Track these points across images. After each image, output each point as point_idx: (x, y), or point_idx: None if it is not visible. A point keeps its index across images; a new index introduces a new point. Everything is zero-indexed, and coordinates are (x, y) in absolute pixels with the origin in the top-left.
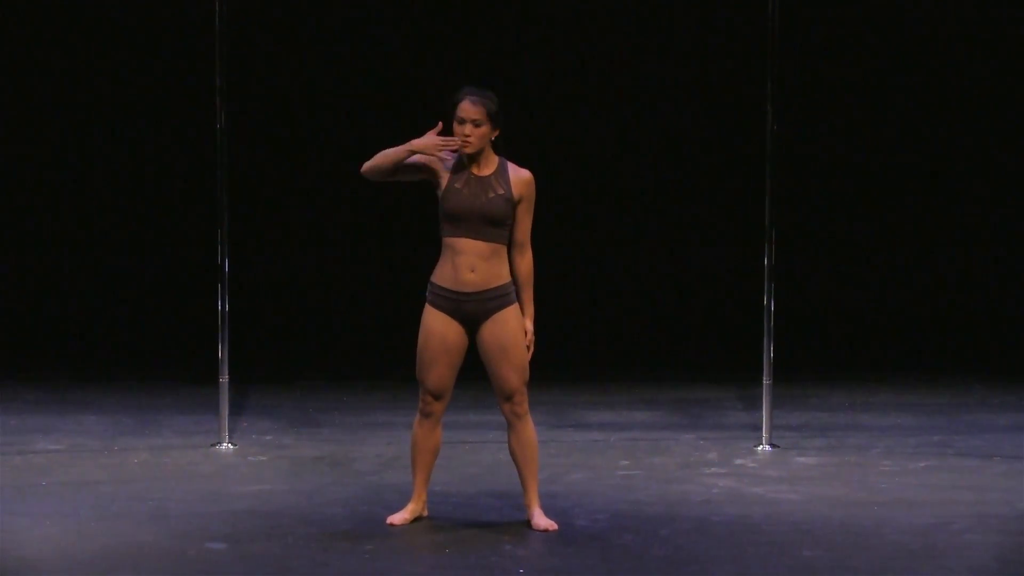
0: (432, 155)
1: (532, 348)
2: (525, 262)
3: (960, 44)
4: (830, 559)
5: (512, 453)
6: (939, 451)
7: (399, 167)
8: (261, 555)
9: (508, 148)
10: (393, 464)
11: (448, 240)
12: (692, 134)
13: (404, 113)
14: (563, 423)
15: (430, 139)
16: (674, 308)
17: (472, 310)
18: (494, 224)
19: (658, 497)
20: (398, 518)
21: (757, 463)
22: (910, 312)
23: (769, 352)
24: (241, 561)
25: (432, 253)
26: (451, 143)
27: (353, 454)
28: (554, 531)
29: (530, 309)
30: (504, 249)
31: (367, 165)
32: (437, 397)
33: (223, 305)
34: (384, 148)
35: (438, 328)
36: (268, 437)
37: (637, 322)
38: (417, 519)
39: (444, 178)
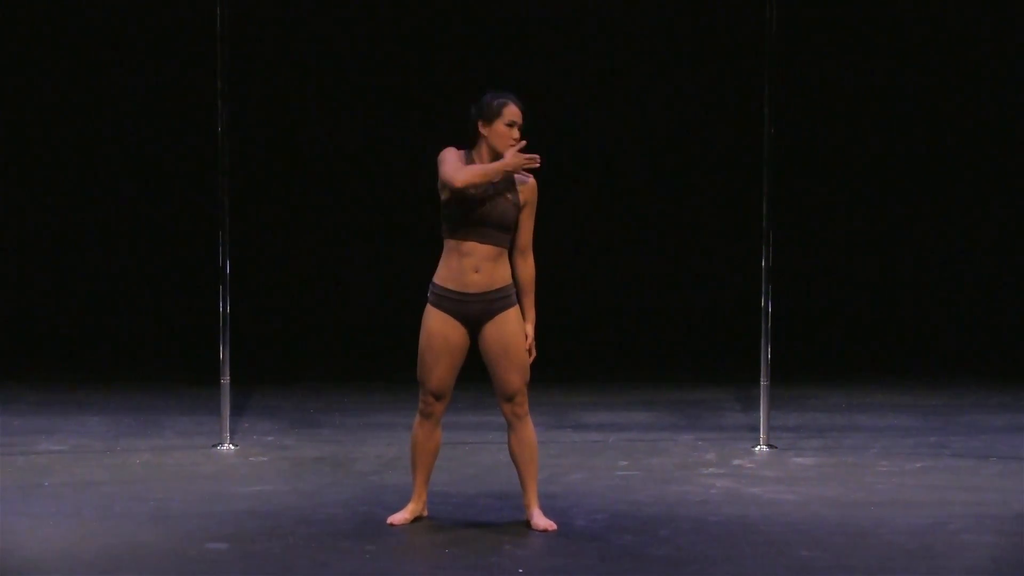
0: (519, 171)
1: (534, 353)
2: (527, 267)
3: (959, 46)
4: (827, 559)
5: (512, 454)
6: (935, 452)
7: None
8: (262, 555)
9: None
10: (393, 465)
11: (454, 242)
12: (691, 136)
13: (405, 115)
14: (562, 424)
15: (517, 158)
16: (672, 310)
17: (475, 311)
18: (503, 229)
19: (656, 497)
20: (398, 518)
21: (755, 464)
22: (906, 314)
23: (767, 353)
24: (242, 561)
25: (432, 254)
26: (533, 161)
27: (353, 455)
28: (553, 531)
29: (531, 314)
30: (507, 252)
31: (465, 181)
32: (438, 398)
33: (224, 307)
34: (382, 151)
35: (440, 329)
36: (269, 438)
37: (636, 324)
38: (417, 519)
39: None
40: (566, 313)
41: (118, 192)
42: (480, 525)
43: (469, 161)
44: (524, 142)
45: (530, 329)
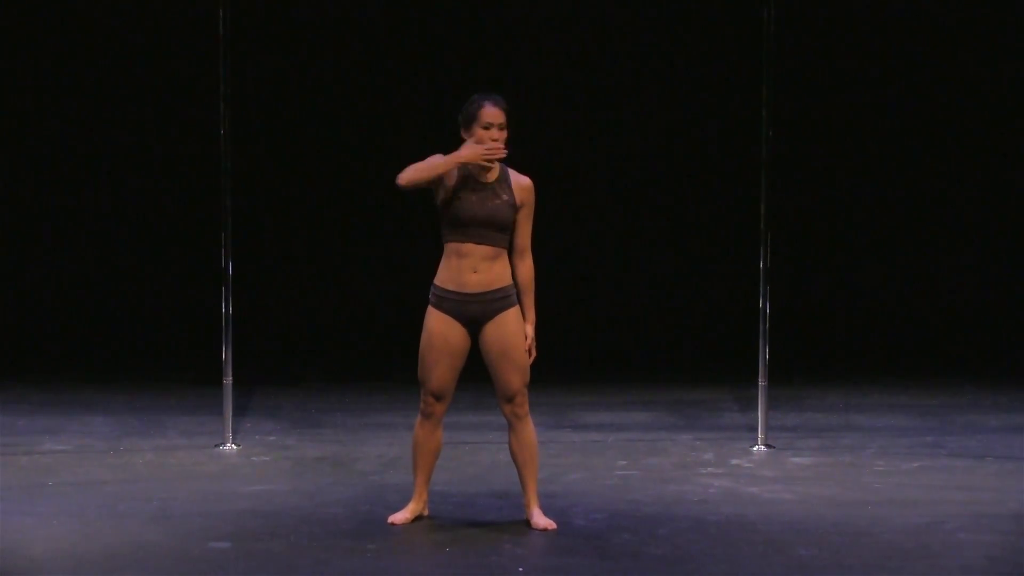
0: (479, 164)
1: (534, 353)
2: (526, 267)
3: (957, 48)
4: (824, 558)
5: (512, 453)
6: (932, 451)
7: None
8: (264, 554)
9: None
10: (394, 464)
11: (452, 244)
12: (689, 138)
13: (406, 117)
14: (562, 424)
15: (474, 149)
16: (671, 311)
17: (475, 311)
18: (499, 230)
19: (655, 497)
20: (399, 517)
21: (753, 463)
22: (903, 315)
23: (764, 354)
24: (244, 560)
25: (432, 255)
26: (496, 151)
27: (355, 454)
28: (553, 530)
29: (531, 314)
30: (506, 253)
31: (407, 177)
32: (438, 398)
33: (227, 308)
34: (382, 152)
35: (441, 330)
36: (271, 438)
37: (635, 324)
38: (418, 518)
39: (450, 184)
40: (566, 314)
41: (121, 193)
42: (480, 524)
43: (460, 167)
44: (495, 142)
45: (530, 329)
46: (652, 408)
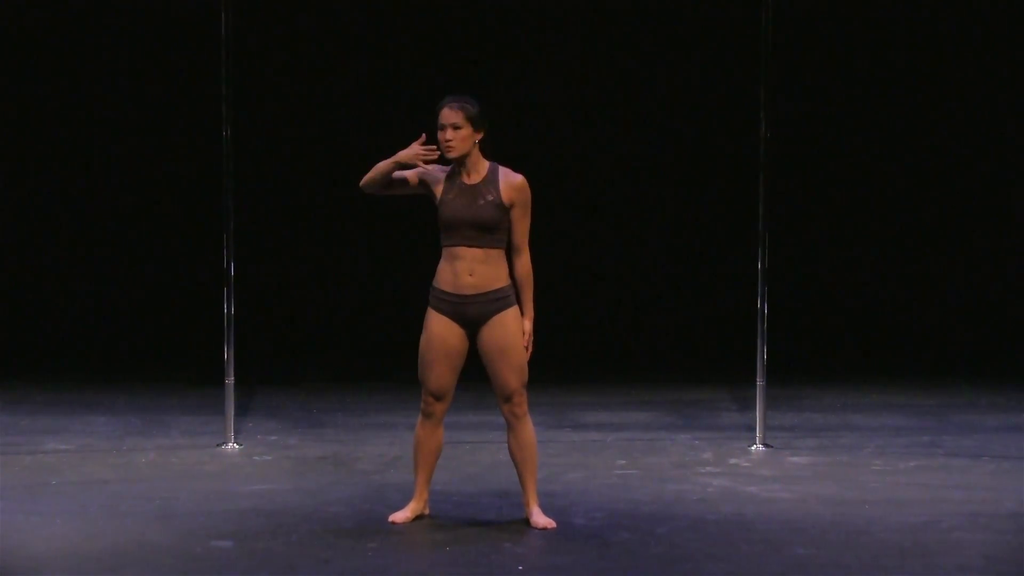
0: (416, 164)
1: (531, 348)
2: (522, 265)
3: (954, 49)
4: (822, 557)
5: (511, 453)
6: (929, 451)
7: (390, 181)
8: (266, 553)
9: (506, 152)
10: (395, 464)
11: (447, 247)
12: (688, 140)
13: (407, 119)
14: (561, 423)
15: (412, 149)
16: (670, 311)
17: (473, 312)
18: (487, 231)
19: (654, 496)
20: (400, 516)
21: (751, 463)
22: (901, 315)
23: (763, 354)
24: (246, 559)
25: (433, 256)
26: (432, 151)
27: (356, 454)
28: (553, 529)
29: (529, 310)
30: (502, 253)
31: (364, 180)
32: (438, 398)
33: (229, 308)
34: (383, 154)
35: (439, 331)
36: (273, 437)
37: (634, 324)
38: (419, 517)
39: (438, 189)
40: (566, 314)
41: (124, 194)
42: (480, 523)
43: (453, 169)
44: (447, 141)
45: (528, 326)
46: (651, 408)
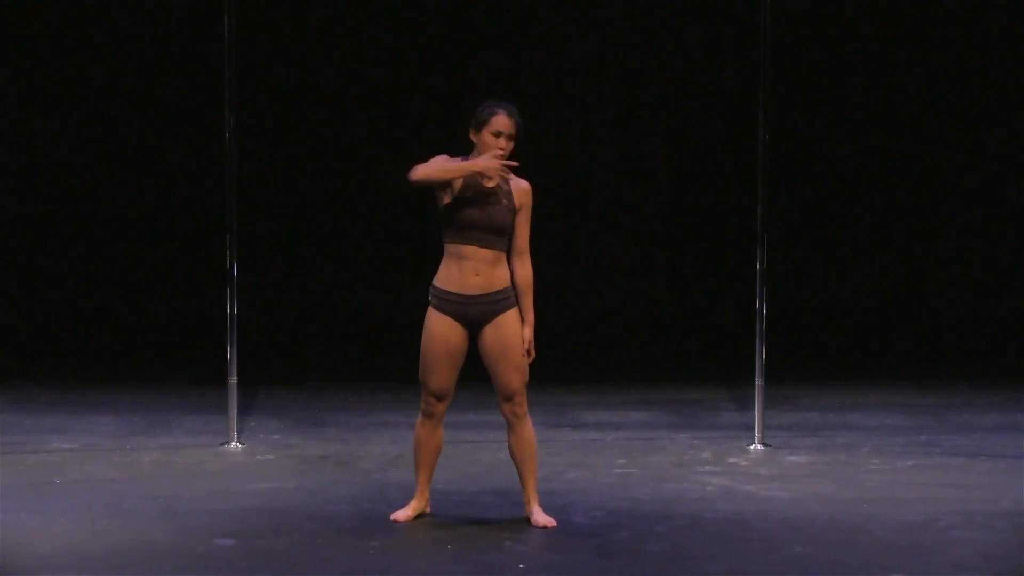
0: (493, 177)
1: (533, 354)
2: (525, 270)
3: (953, 50)
4: (820, 555)
5: (511, 452)
6: (926, 450)
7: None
8: (268, 551)
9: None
10: (396, 463)
11: (453, 247)
12: (687, 142)
13: (409, 120)
14: (561, 423)
15: (491, 162)
16: (669, 311)
17: (476, 313)
18: (499, 234)
19: (653, 495)
20: (402, 515)
21: (749, 462)
22: (898, 315)
23: (761, 354)
24: (249, 557)
25: (433, 256)
26: (510, 166)
27: (358, 453)
28: (553, 528)
29: (530, 317)
30: (505, 255)
31: (420, 175)
32: (440, 398)
33: (231, 308)
34: (385, 155)
35: (442, 331)
36: (275, 436)
37: (633, 325)
38: (420, 516)
39: (457, 185)
40: (565, 315)
41: (128, 196)
42: (481, 522)
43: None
44: (502, 151)
45: (528, 332)
46: (650, 407)
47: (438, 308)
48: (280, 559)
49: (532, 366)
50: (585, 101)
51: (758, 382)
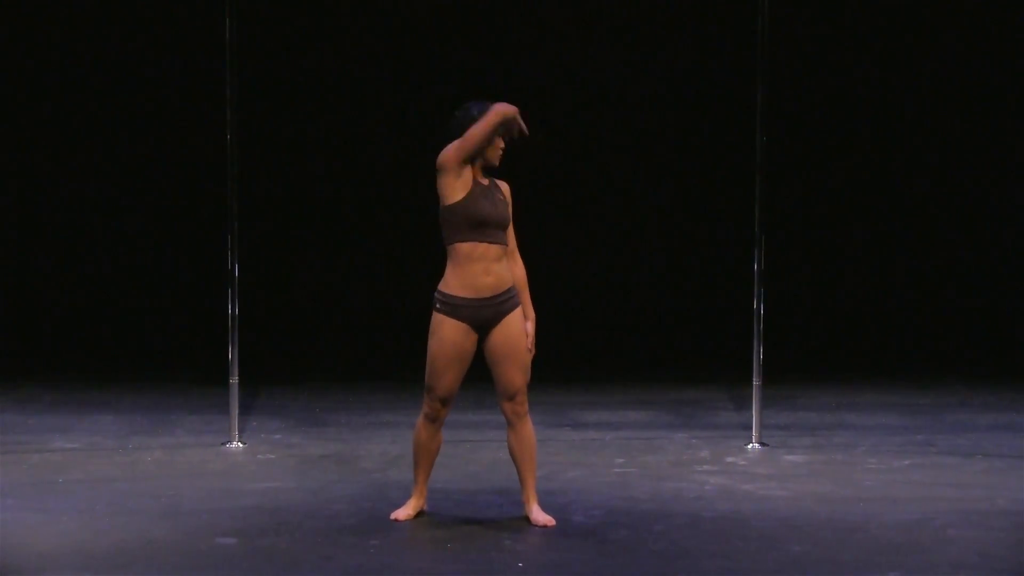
0: (512, 125)
1: (534, 351)
2: (519, 267)
3: (951, 53)
4: (817, 554)
5: (511, 451)
6: (922, 449)
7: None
8: (270, 550)
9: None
10: (397, 462)
11: (466, 247)
12: (686, 143)
13: (410, 120)
14: (561, 422)
15: (511, 108)
16: (667, 312)
17: (488, 315)
18: (504, 228)
19: (652, 494)
20: (402, 513)
21: (747, 461)
22: (895, 315)
23: (759, 354)
24: (250, 556)
25: (434, 256)
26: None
27: (358, 452)
28: (552, 526)
29: (531, 312)
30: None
31: (475, 137)
32: (445, 403)
33: (233, 309)
34: (387, 155)
35: (455, 338)
36: (277, 436)
37: (632, 325)
38: (419, 514)
39: (468, 183)
40: (564, 315)
41: (130, 196)
42: (481, 521)
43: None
44: (503, 148)
45: (531, 327)
46: (649, 407)
47: (451, 314)
48: (281, 558)
49: (532, 366)
50: (584, 102)
51: (756, 382)
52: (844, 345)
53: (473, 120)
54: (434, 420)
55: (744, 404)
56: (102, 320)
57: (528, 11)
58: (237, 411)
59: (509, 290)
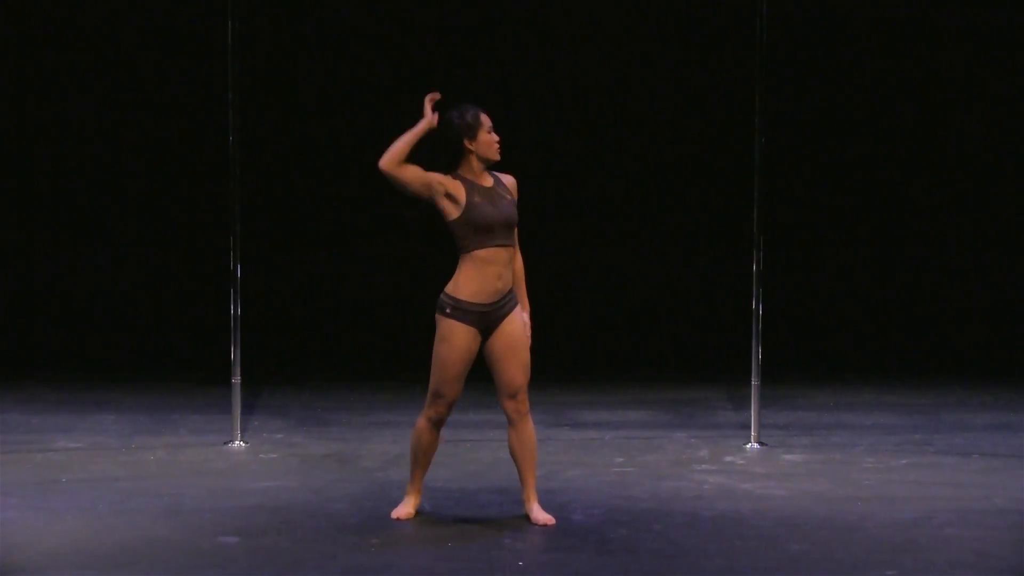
0: (429, 117)
1: (529, 340)
2: (520, 260)
3: (948, 54)
4: (816, 552)
5: (512, 450)
6: (920, 449)
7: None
8: (271, 549)
9: (506, 154)
10: (398, 461)
11: (478, 253)
12: (685, 144)
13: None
14: (561, 422)
15: (430, 116)
16: (667, 312)
17: (497, 316)
18: (512, 228)
19: (651, 493)
20: (403, 512)
21: (746, 460)
22: (892, 316)
23: (757, 354)
24: (252, 554)
25: (436, 257)
26: (435, 99)
27: (360, 452)
28: (552, 525)
29: (526, 303)
30: None
31: (389, 160)
32: (451, 407)
33: (235, 309)
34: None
35: (467, 344)
36: (278, 435)
37: (632, 325)
38: (418, 512)
39: (461, 194)
40: (564, 315)
41: (133, 196)
42: (481, 520)
43: (464, 179)
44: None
45: (527, 317)
46: (648, 407)
47: (462, 320)
48: (283, 556)
49: (532, 366)
50: (583, 103)
51: (754, 382)
52: (842, 345)
53: (465, 133)
54: (438, 424)
55: (743, 404)
56: (105, 320)
57: (529, 14)
58: (239, 411)
59: (511, 291)
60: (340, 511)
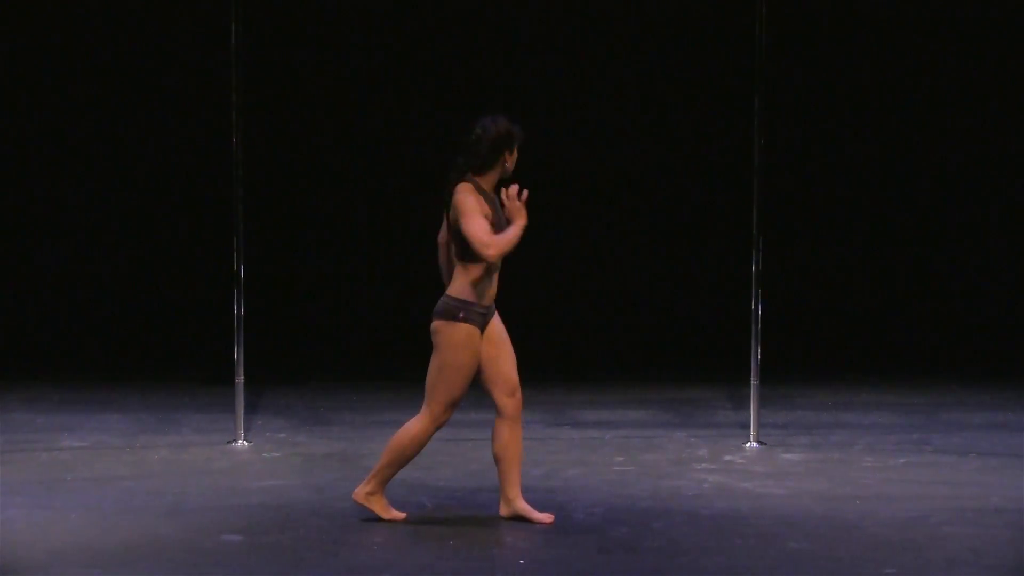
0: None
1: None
2: None
3: (947, 55)
4: (814, 550)
5: (502, 448)
6: (918, 448)
7: None
8: (274, 547)
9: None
10: None
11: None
12: (684, 144)
13: (414, 122)
14: (561, 422)
15: (523, 217)
16: (667, 312)
17: (489, 319)
18: None
19: (651, 492)
20: (397, 514)
21: (745, 459)
22: (891, 316)
23: (756, 354)
24: (255, 552)
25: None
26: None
27: (362, 451)
28: (551, 524)
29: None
30: None
31: (497, 254)
32: (455, 409)
33: (239, 309)
34: (391, 157)
35: (480, 347)
36: (281, 435)
37: (631, 325)
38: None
39: (491, 215)
40: (564, 315)
41: (136, 197)
42: (482, 518)
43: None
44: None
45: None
46: (648, 406)
47: (475, 323)
48: (286, 555)
49: (532, 367)
50: (583, 104)
51: (754, 381)
52: (841, 345)
53: (507, 145)
54: (440, 427)
55: (742, 403)
56: (109, 320)
57: (530, 15)
58: (243, 410)
59: None
60: (343, 509)
